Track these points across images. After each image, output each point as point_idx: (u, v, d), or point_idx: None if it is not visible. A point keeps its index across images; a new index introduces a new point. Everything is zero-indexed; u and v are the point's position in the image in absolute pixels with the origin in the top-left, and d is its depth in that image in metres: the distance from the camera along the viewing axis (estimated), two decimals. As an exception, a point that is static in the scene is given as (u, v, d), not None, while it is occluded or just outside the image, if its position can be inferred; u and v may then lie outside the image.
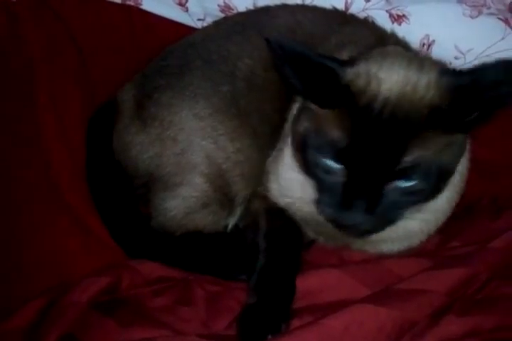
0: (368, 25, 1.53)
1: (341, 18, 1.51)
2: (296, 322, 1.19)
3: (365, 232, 1.17)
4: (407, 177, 1.06)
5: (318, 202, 1.17)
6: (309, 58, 1.04)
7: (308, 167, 1.16)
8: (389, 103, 1.04)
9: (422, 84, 1.06)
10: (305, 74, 1.06)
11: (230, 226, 1.46)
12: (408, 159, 1.04)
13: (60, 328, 1.17)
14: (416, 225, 1.29)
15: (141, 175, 1.44)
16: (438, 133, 1.05)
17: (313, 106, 1.12)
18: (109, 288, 1.27)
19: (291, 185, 1.32)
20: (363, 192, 1.08)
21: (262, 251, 1.29)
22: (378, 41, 1.37)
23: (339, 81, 1.06)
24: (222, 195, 1.40)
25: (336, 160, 1.08)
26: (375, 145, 1.04)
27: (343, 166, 1.08)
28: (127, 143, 1.45)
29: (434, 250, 1.36)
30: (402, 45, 1.43)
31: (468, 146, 1.24)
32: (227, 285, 1.32)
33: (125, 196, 1.45)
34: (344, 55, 1.31)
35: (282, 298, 1.22)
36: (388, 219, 1.14)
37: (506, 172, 1.55)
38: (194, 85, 1.41)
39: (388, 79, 1.07)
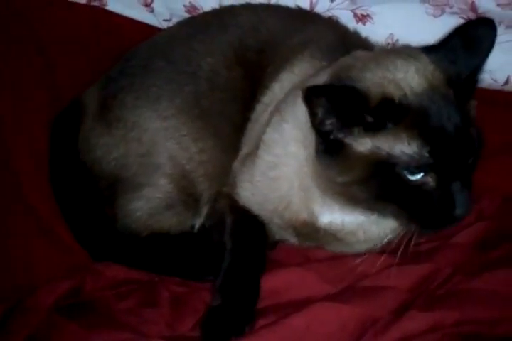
0: (331, 24, 1.53)
1: (305, 17, 1.52)
2: (261, 322, 1.19)
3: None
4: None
5: (417, 228, 1.15)
6: (342, 87, 1.08)
7: (389, 199, 1.13)
8: (428, 93, 1.09)
9: (429, 68, 1.12)
10: (342, 109, 1.07)
11: (196, 227, 1.45)
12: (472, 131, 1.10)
13: (23, 332, 1.17)
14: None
15: (106, 176, 1.43)
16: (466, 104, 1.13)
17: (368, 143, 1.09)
18: (73, 292, 1.27)
19: (275, 198, 1.30)
20: (459, 183, 1.09)
21: (227, 250, 1.29)
22: (340, 40, 1.38)
23: (367, 101, 1.06)
24: (186, 196, 1.40)
25: (426, 168, 1.08)
26: (452, 133, 1.07)
27: (431, 172, 1.09)
28: (92, 145, 1.44)
29: (396, 247, 1.37)
30: (365, 43, 1.45)
31: None
32: (193, 286, 1.32)
33: (90, 198, 1.43)
34: (306, 54, 1.32)
35: (246, 300, 1.22)
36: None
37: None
38: (157, 86, 1.41)
39: (409, 76, 1.11)
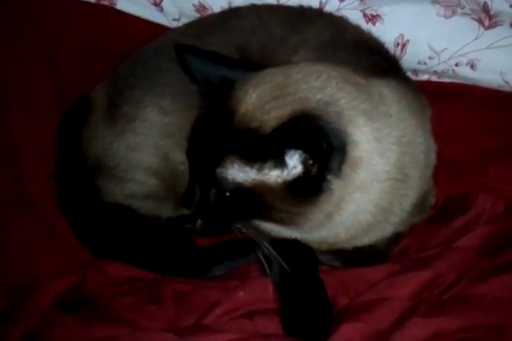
0: (331, 21, 1.48)
1: (304, 16, 1.48)
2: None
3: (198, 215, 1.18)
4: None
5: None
6: None
7: None
8: None
9: None
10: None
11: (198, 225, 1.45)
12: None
13: (23, 327, 1.17)
14: None
15: (99, 165, 1.44)
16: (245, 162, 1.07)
17: None
18: (74, 288, 1.27)
19: None
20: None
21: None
22: (335, 36, 1.36)
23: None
24: (174, 194, 1.39)
25: None
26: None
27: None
28: (95, 140, 1.44)
29: (401, 254, 1.36)
30: (366, 36, 1.43)
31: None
32: (196, 284, 1.31)
33: (92, 197, 1.43)
34: (299, 56, 1.30)
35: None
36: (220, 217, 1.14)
37: (472, 171, 1.54)
38: (164, 84, 1.41)
39: None
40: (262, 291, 1.23)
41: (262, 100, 1.07)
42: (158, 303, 1.25)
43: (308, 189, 1.07)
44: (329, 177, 1.06)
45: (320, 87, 1.08)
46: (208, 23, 1.53)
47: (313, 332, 1.15)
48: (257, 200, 1.08)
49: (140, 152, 1.39)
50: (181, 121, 1.37)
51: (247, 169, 1.06)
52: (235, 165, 1.06)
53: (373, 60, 1.29)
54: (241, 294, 1.23)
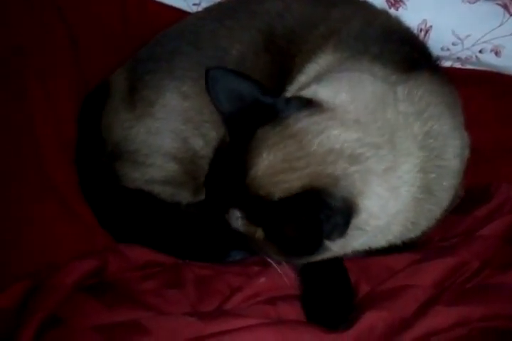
0: (358, 6, 1.45)
1: (328, 0, 1.45)
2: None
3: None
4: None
5: None
6: None
7: None
8: None
9: None
10: None
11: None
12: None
13: (44, 310, 1.17)
14: None
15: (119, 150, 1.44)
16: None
17: None
18: (96, 272, 1.27)
19: None
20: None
21: None
22: (365, 25, 1.33)
23: None
24: (192, 179, 1.40)
25: None
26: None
27: None
28: (114, 124, 1.44)
29: (425, 243, 1.34)
30: (395, 24, 1.40)
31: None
32: (217, 269, 1.31)
33: (113, 182, 1.43)
34: (330, 46, 1.29)
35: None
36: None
37: (495, 159, 1.52)
38: (184, 69, 1.40)
39: None
40: (283, 277, 1.23)
41: (272, 169, 1.05)
42: (179, 288, 1.25)
43: (302, 252, 1.09)
44: (327, 242, 1.06)
45: (332, 161, 1.03)
46: (229, 7, 1.50)
47: (335, 320, 1.15)
48: (255, 245, 1.13)
49: (160, 137, 1.39)
50: (201, 105, 1.37)
51: (250, 228, 1.10)
52: (240, 221, 1.10)
53: (404, 51, 1.27)
54: (262, 280, 1.23)
